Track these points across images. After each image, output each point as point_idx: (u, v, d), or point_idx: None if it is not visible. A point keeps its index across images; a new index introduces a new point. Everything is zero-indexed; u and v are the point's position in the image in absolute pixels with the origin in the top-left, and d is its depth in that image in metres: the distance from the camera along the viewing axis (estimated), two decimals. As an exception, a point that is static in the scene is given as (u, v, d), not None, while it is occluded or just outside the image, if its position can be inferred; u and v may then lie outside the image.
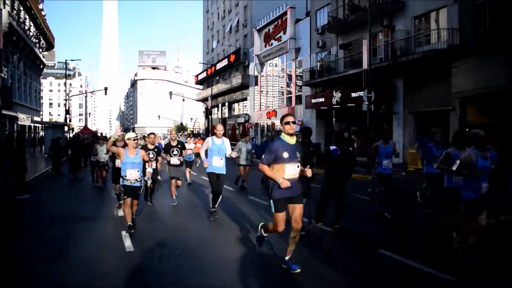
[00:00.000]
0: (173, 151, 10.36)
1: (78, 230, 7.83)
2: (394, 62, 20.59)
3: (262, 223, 6.13)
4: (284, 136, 5.42)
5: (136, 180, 7.29)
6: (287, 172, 5.23)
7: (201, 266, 5.68)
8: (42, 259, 6.01)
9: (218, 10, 55.66)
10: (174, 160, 10.33)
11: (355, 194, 11.62)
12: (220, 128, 8.58)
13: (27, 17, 35.93)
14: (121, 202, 9.07)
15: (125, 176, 7.27)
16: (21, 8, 33.81)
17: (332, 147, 7.90)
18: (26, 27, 35.64)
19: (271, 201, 5.34)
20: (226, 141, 8.62)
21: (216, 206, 8.65)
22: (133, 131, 10.09)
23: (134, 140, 7.31)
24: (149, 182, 8.31)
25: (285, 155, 5.21)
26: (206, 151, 8.72)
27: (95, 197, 12.10)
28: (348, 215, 8.27)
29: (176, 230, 7.88)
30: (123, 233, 7.33)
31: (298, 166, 5.36)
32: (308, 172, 5.37)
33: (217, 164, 8.45)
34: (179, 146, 10.51)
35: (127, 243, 6.76)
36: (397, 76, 21.70)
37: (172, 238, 7.16)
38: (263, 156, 5.40)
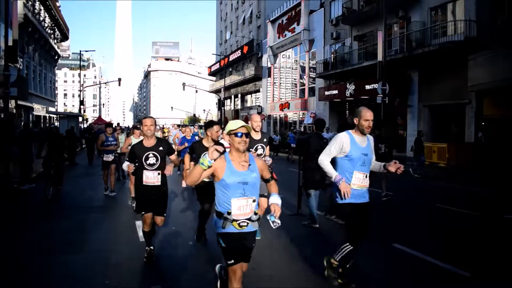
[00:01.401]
0: (257, 148, 6.03)
1: (92, 220, 7.92)
2: (410, 54, 20.36)
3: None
4: None
5: (249, 219, 3.43)
6: None
7: (212, 256, 5.69)
8: (56, 249, 6.07)
9: (232, 1, 55.42)
10: None
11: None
12: (370, 116, 4.42)
13: (42, 8, 36.16)
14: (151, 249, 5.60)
15: (227, 213, 3.40)
16: (36, -1, 34.07)
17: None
18: (41, 18, 35.88)
19: None
20: (372, 140, 4.71)
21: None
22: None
23: (243, 135, 3.44)
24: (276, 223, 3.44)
25: None
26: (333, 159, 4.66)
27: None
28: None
29: (189, 221, 7.89)
30: (137, 223, 7.38)
31: None
32: None
33: (361, 185, 4.51)
34: (264, 140, 6.16)
35: (141, 233, 6.79)
36: (412, 68, 21.46)
37: (186, 229, 7.18)
38: None
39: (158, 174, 5.39)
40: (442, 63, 19.23)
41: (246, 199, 3.38)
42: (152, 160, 5.34)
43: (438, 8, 20.36)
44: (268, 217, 3.40)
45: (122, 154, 11.92)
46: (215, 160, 3.28)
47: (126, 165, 5.68)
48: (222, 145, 5.56)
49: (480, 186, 12.52)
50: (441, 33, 19.94)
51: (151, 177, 5.38)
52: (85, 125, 43.60)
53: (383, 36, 19.36)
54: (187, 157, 6.16)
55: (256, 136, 5.97)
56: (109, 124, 11.83)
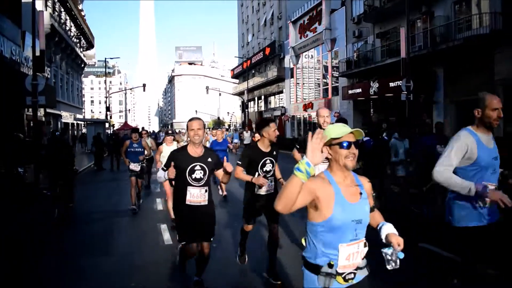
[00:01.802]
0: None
1: (118, 224, 8.10)
2: (434, 50, 20.00)
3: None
4: None
5: (357, 268, 2.35)
6: None
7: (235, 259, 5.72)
8: (84, 252, 6.24)
9: (253, 4, 55.59)
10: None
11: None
12: (498, 103, 3.33)
13: (67, 18, 37.06)
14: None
15: (328, 265, 2.27)
16: (62, 10, 34.93)
17: (365, 138, 7.82)
18: (67, 28, 36.77)
19: None
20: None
21: None
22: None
23: (351, 145, 2.26)
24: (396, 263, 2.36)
25: None
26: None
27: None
28: (385, 208, 8.12)
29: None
30: (162, 226, 7.49)
31: None
32: None
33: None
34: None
35: (166, 236, 6.92)
36: (437, 64, 21.07)
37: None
38: None
39: (206, 191, 4.29)
40: (468, 57, 18.80)
41: (357, 243, 2.29)
42: (199, 174, 4.21)
43: (462, 2, 19.92)
44: (390, 251, 2.32)
45: (150, 162, 12.08)
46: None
47: (162, 174, 4.29)
48: (276, 144, 4.72)
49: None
50: (465, 27, 19.49)
51: (196, 195, 4.25)
52: (111, 131, 44.51)
53: (406, 33, 19.06)
54: (239, 171, 4.74)
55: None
56: (135, 130, 10.21)
